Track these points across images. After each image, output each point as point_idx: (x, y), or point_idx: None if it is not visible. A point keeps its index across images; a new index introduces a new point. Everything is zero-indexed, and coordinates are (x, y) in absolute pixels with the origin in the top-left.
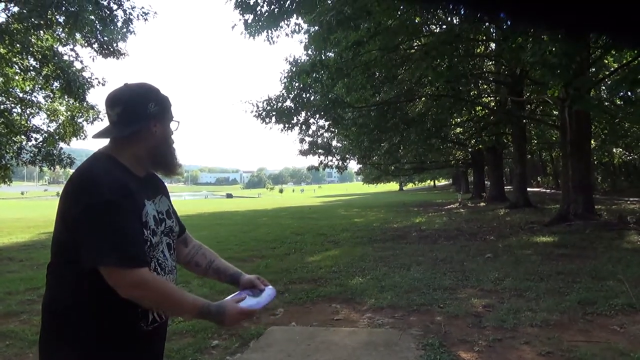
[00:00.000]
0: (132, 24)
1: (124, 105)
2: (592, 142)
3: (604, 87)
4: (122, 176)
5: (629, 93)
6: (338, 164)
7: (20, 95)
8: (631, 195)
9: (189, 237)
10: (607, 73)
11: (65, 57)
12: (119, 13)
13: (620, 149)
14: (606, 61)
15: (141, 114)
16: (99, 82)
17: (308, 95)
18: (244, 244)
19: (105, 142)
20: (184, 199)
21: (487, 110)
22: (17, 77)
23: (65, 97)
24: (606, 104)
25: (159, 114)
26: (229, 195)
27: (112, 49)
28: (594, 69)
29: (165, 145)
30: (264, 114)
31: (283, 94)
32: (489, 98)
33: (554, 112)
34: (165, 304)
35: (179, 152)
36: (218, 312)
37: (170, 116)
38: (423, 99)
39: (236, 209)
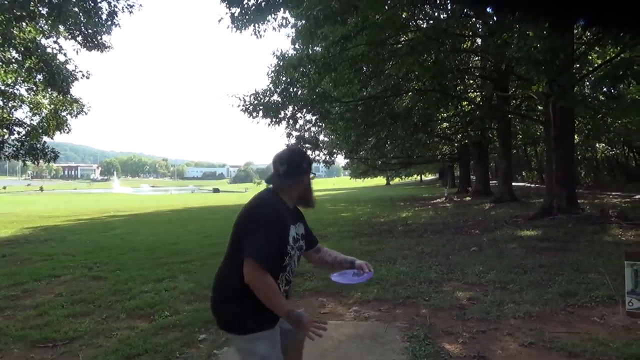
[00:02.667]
0: (116, 16)
1: (287, 164)
2: (576, 137)
3: (587, 83)
4: (280, 207)
5: (612, 89)
6: (325, 158)
7: (2, 87)
8: (613, 189)
9: (319, 246)
10: (591, 69)
11: (49, 50)
12: (104, 5)
13: (603, 144)
14: (590, 57)
15: (297, 171)
16: (83, 75)
17: (295, 89)
18: None
19: None
20: (170, 194)
21: (473, 105)
22: None
23: (49, 90)
24: (589, 99)
25: (307, 170)
26: (216, 190)
27: (96, 42)
28: (577, 65)
29: (309, 190)
30: (251, 108)
31: (270, 88)
32: (475, 93)
33: (539, 108)
34: (266, 299)
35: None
36: (296, 317)
37: (311, 169)
38: (410, 93)
39: (223, 204)
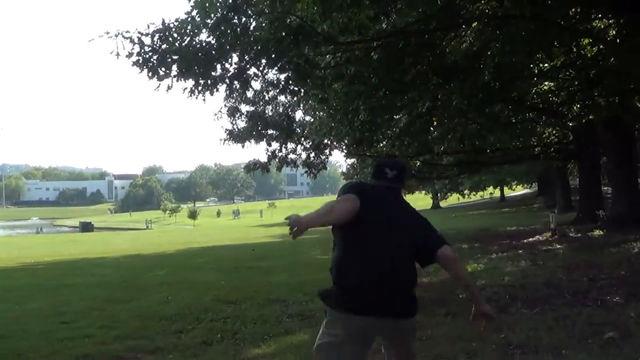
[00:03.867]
0: None
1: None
2: None
3: None
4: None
5: None
6: (308, 157)
7: None
8: None
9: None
10: None
11: None
12: None
13: None
14: None
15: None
16: None
17: (245, 20)
18: (118, 325)
19: None
20: None
21: (601, 46)
22: None
23: None
24: None
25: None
26: (87, 227)
27: None
28: None
29: None
30: (154, 58)
31: (194, 17)
32: (605, 21)
33: None
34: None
35: None
36: (290, 221)
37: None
38: (475, 25)
39: (102, 254)
